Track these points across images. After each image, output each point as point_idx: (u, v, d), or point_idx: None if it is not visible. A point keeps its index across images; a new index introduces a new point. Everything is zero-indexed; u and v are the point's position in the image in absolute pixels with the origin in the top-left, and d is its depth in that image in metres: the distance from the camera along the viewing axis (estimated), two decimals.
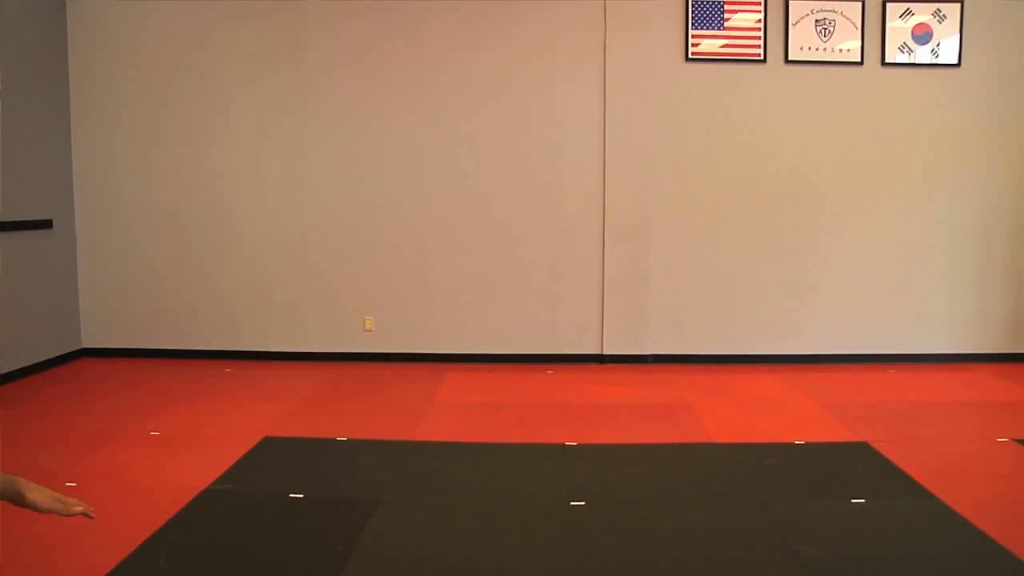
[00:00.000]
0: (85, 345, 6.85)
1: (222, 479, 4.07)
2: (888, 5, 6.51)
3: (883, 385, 6.14)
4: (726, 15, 6.53)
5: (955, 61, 6.56)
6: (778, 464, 4.33)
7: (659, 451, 4.59)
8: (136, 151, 6.66)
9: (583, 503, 3.78)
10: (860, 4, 6.50)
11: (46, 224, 6.36)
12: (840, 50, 6.55)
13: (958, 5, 6.50)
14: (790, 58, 6.54)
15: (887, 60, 6.56)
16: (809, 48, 6.54)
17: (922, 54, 6.56)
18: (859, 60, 6.55)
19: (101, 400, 5.62)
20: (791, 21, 6.52)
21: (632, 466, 4.32)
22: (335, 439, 4.75)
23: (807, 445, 4.65)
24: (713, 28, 6.54)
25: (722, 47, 6.56)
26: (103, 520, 3.55)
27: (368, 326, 6.78)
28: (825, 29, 6.53)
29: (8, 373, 5.96)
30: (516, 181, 6.64)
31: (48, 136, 6.42)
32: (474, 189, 6.65)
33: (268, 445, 4.63)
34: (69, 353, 6.68)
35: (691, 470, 4.27)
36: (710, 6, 6.50)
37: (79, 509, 1.76)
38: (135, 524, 3.48)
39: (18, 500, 1.70)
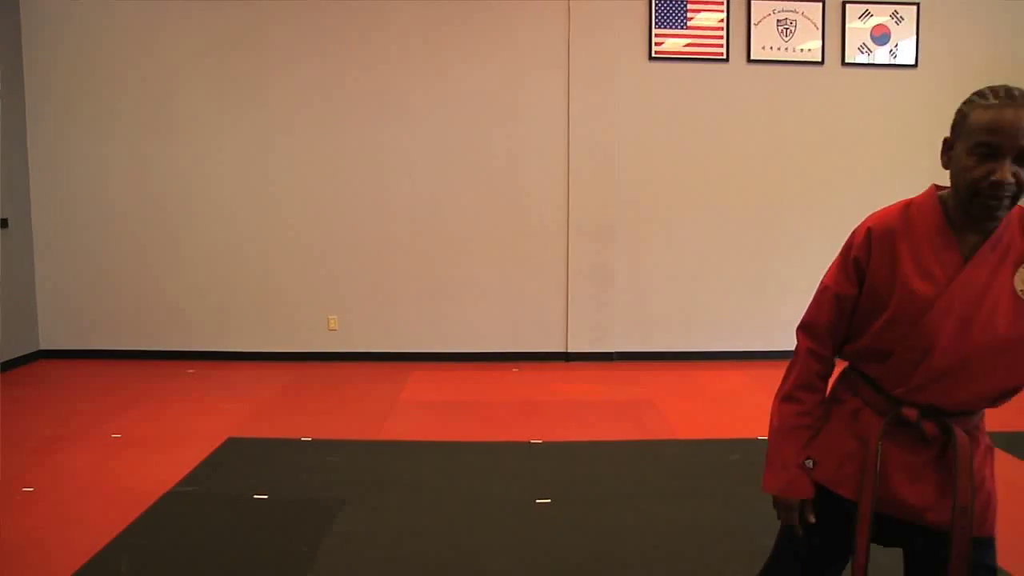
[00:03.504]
0: (43, 347, 6.73)
1: (185, 481, 4.03)
2: (848, 6, 6.61)
3: None
4: (689, 14, 6.58)
5: (912, 62, 6.68)
6: (742, 460, 4.38)
7: (624, 448, 4.62)
8: (93, 150, 6.55)
9: (549, 500, 3.80)
10: (820, 5, 6.59)
11: (1, 223, 6.24)
12: (801, 50, 6.63)
13: (915, 7, 6.63)
14: (752, 57, 6.62)
15: (847, 60, 6.66)
16: (771, 48, 6.62)
17: (881, 55, 6.67)
18: (820, 60, 6.64)
19: (60, 403, 5.52)
20: (753, 21, 6.59)
21: (597, 463, 4.34)
22: (299, 439, 4.72)
23: None
24: (676, 27, 6.59)
25: (685, 46, 6.62)
26: (63, 525, 3.50)
27: (332, 325, 6.74)
28: (786, 29, 6.61)
29: None
30: (480, 180, 6.64)
31: (3, 134, 6.29)
32: (437, 188, 6.64)
33: (232, 446, 4.59)
34: (26, 355, 6.56)
35: (656, 466, 4.30)
36: (673, 5, 6.55)
37: None
38: (96, 528, 3.43)
39: None
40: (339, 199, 6.63)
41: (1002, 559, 3.15)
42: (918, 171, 6.78)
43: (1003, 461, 4.32)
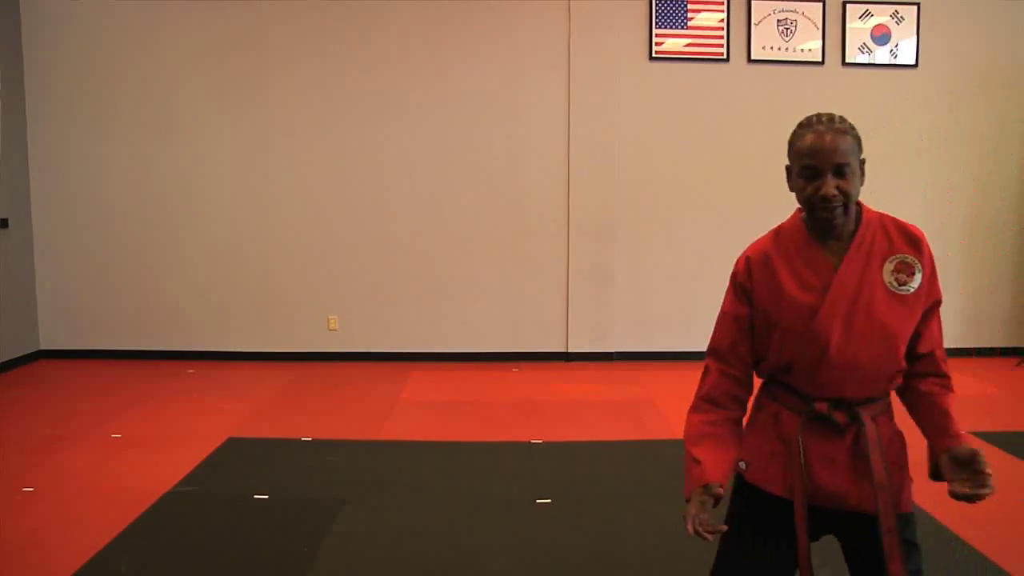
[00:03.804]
0: (43, 347, 6.73)
1: (185, 481, 4.03)
2: (848, 6, 6.61)
3: None
4: (689, 14, 6.58)
5: (913, 62, 6.68)
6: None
7: (624, 448, 4.61)
8: (93, 149, 6.55)
9: (549, 500, 3.79)
10: (821, 5, 6.59)
11: (1, 223, 6.24)
12: (802, 50, 6.63)
13: (915, 7, 6.62)
14: (753, 57, 6.62)
15: (848, 60, 6.66)
16: (771, 48, 6.62)
17: (881, 55, 6.67)
18: (820, 60, 6.64)
19: (60, 403, 5.52)
20: (754, 21, 6.59)
21: (597, 463, 4.34)
22: (300, 439, 4.71)
23: None
24: (677, 27, 6.59)
25: (686, 46, 6.62)
26: (63, 525, 3.49)
27: (332, 325, 6.74)
28: (787, 29, 6.61)
29: None
30: (480, 180, 6.64)
31: (3, 134, 6.29)
32: (437, 188, 6.64)
33: (232, 446, 4.59)
34: (26, 355, 6.56)
35: (656, 466, 4.30)
36: (673, 5, 6.55)
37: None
38: (96, 528, 3.43)
39: None
40: (339, 199, 6.63)
41: (1002, 558, 3.16)
42: (918, 171, 6.78)
43: (1003, 461, 4.32)
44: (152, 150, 6.56)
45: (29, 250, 6.60)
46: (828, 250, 1.83)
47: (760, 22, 6.60)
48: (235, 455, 4.45)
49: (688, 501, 1.82)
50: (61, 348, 6.73)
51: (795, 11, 6.59)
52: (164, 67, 6.51)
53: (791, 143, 1.88)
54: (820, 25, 6.62)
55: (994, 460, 4.44)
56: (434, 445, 4.64)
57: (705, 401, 1.93)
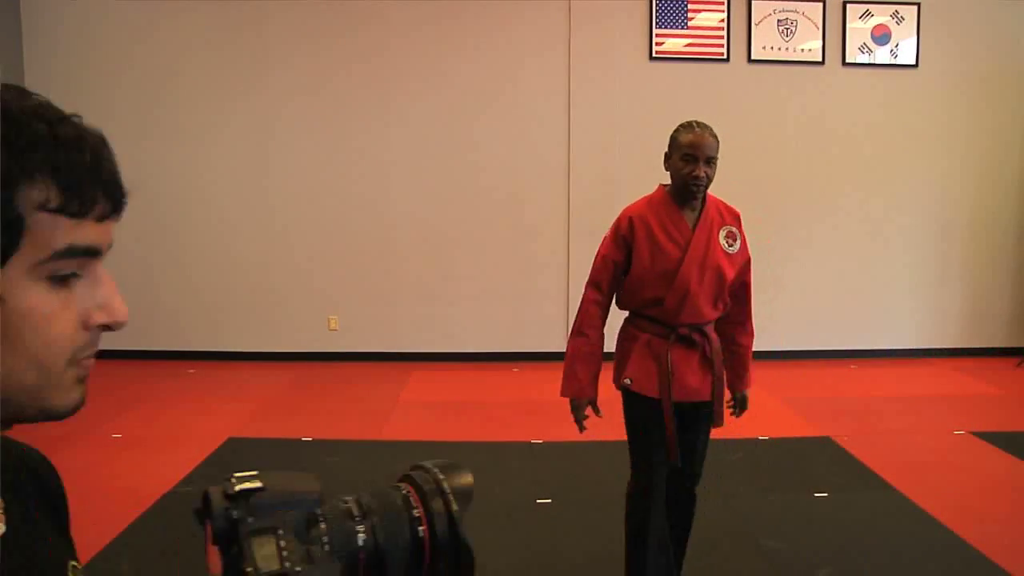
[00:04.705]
0: None
1: (186, 481, 4.03)
2: (848, 6, 6.60)
3: (845, 380, 6.23)
4: (690, 14, 6.57)
5: (913, 62, 6.67)
6: (742, 459, 4.37)
7: (624, 448, 4.60)
8: None
9: (549, 500, 3.80)
10: (821, 5, 6.58)
11: None
12: (802, 50, 6.63)
13: (915, 7, 6.62)
14: (753, 57, 6.61)
15: (848, 60, 6.65)
16: (772, 48, 6.61)
17: (882, 54, 6.66)
18: (821, 60, 6.63)
19: None
20: (754, 21, 6.59)
21: (598, 463, 4.33)
22: (300, 439, 4.71)
23: (771, 440, 4.71)
24: (677, 27, 6.58)
25: (686, 46, 6.61)
26: None
27: (333, 325, 6.73)
28: (787, 29, 6.60)
29: None
30: (480, 180, 6.63)
31: None
32: (438, 188, 6.63)
33: (232, 446, 4.59)
34: None
35: None
36: (673, 5, 6.54)
37: None
38: (96, 529, 3.43)
39: None
40: (339, 199, 6.63)
41: (1002, 558, 3.16)
42: (918, 170, 6.78)
43: (1003, 461, 4.32)
44: (151, 149, 6.55)
45: None
46: (687, 217, 2.65)
47: (760, 22, 6.59)
48: (235, 455, 4.45)
49: (573, 402, 2.77)
50: None
51: (795, 11, 6.59)
52: (161, 66, 6.51)
53: (675, 137, 2.61)
54: (820, 25, 6.61)
55: (994, 460, 4.45)
56: (434, 445, 4.64)
57: (586, 327, 2.73)
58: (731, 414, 2.85)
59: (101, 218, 0.65)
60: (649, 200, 2.72)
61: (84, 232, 0.63)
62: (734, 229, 2.72)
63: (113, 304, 0.69)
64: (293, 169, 6.60)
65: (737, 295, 2.82)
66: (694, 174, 2.54)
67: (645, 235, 2.62)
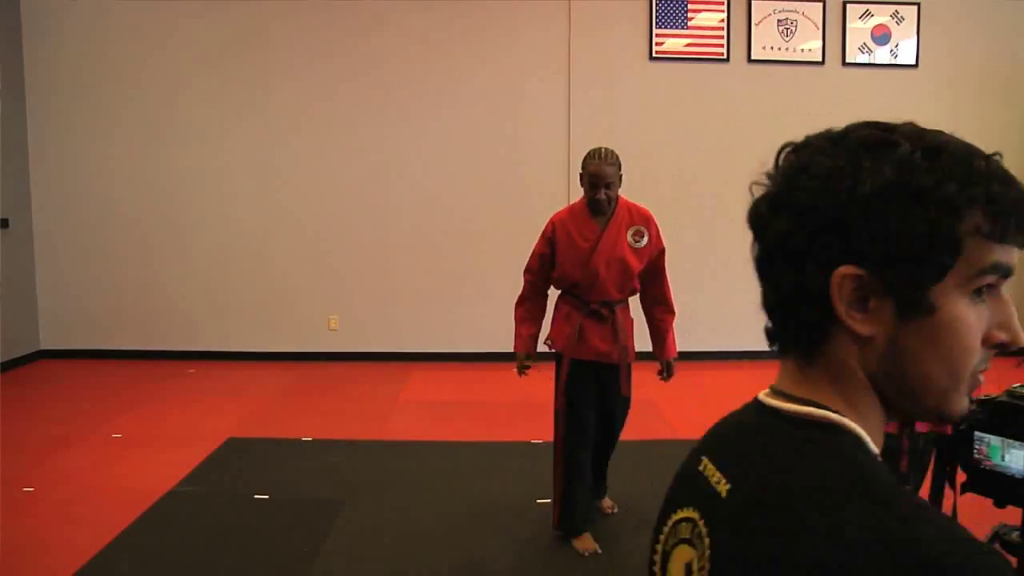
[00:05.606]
0: (44, 347, 6.73)
1: (186, 481, 4.03)
2: (848, 6, 6.61)
3: None
4: (690, 14, 6.58)
5: (913, 62, 6.68)
6: None
7: (625, 448, 4.60)
8: (94, 149, 6.55)
9: (549, 500, 3.79)
10: (821, 5, 6.59)
11: (2, 223, 6.24)
12: (802, 50, 6.63)
13: (915, 7, 6.62)
14: (753, 57, 6.62)
15: (848, 60, 6.66)
16: (772, 48, 6.62)
17: (882, 55, 6.67)
18: (821, 60, 6.64)
19: (60, 403, 5.53)
20: (754, 21, 6.59)
21: None
22: (300, 439, 4.72)
23: None
24: (677, 27, 6.58)
25: (686, 46, 6.61)
26: (63, 525, 3.50)
27: (333, 325, 6.74)
28: (787, 29, 6.61)
29: None
30: (480, 180, 6.64)
31: (3, 134, 6.29)
32: (438, 188, 6.64)
33: (232, 446, 4.59)
34: (27, 355, 6.56)
35: (657, 467, 4.29)
36: (674, 5, 6.54)
37: None
38: (96, 528, 3.43)
39: None
40: (340, 199, 6.63)
41: None
42: None
43: None
44: (152, 150, 6.56)
45: (29, 250, 6.60)
46: (598, 222, 3.32)
47: (760, 22, 6.60)
48: (235, 455, 4.45)
49: (518, 355, 3.59)
50: (62, 348, 6.73)
51: (795, 11, 6.59)
52: (165, 67, 6.51)
53: (584, 164, 3.30)
54: (820, 25, 6.62)
55: None
56: (434, 445, 4.64)
57: (525, 299, 3.54)
58: (661, 379, 3.70)
59: (1022, 244, 0.73)
60: (571, 208, 3.45)
61: (1006, 254, 0.71)
62: (642, 228, 3.34)
63: (1013, 325, 0.75)
64: (293, 170, 6.60)
65: (651, 279, 3.49)
66: (596, 197, 3.25)
67: (564, 235, 3.34)
